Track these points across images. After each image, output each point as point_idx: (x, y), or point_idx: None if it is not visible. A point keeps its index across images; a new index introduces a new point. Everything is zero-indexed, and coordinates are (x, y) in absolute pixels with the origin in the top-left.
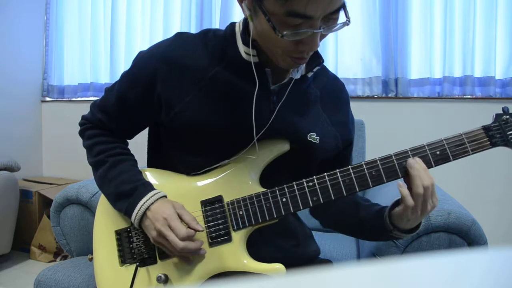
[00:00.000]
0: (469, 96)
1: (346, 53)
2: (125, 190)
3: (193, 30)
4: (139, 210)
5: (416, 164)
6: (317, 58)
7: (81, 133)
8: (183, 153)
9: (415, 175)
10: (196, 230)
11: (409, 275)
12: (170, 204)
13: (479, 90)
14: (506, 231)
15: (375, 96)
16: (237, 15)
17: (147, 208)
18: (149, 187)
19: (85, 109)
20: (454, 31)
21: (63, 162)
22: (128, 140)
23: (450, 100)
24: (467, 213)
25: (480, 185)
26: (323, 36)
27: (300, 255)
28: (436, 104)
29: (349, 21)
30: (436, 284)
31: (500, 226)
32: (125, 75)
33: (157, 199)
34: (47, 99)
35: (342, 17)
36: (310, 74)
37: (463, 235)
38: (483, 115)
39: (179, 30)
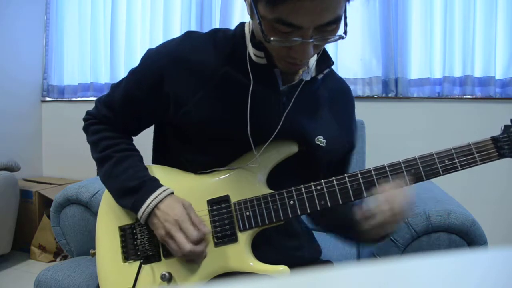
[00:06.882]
0: (469, 96)
1: (346, 53)
2: (131, 185)
3: (194, 30)
4: (147, 207)
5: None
6: (327, 60)
7: (86, 128)
8: (191, 152)
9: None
10: (203, 233)
11: (409, 275)
12: (179, 203)
13: (479, 90)
14: (506, 231)
15: (375, 96)
16: (237, 15)
17: (156, 206)
18: (156, 182)
19: (85, 109)
20: (454, 31)
21: (63, 162)
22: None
23: (450, 100)
24: (467, 213)
25: (480, 185)
26: (317, 46)
27: (301, 256)
28: (436, 104)
29: (345, 35)
30: (436, 284)
31: (499, 226)
32: (132, 72)
33: (166, 196)
34: (47, 99)
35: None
36: (320, 76)
37: (463, 235)
38: (483, 115)
39: (179, 30)
